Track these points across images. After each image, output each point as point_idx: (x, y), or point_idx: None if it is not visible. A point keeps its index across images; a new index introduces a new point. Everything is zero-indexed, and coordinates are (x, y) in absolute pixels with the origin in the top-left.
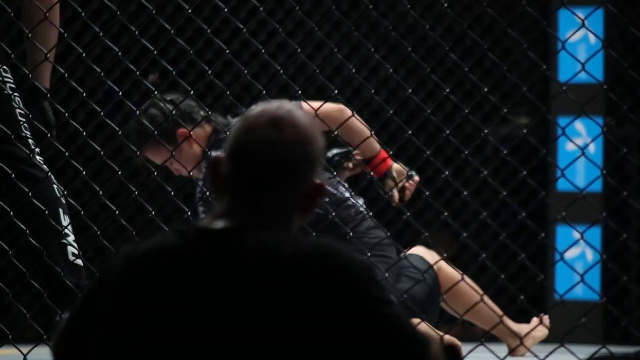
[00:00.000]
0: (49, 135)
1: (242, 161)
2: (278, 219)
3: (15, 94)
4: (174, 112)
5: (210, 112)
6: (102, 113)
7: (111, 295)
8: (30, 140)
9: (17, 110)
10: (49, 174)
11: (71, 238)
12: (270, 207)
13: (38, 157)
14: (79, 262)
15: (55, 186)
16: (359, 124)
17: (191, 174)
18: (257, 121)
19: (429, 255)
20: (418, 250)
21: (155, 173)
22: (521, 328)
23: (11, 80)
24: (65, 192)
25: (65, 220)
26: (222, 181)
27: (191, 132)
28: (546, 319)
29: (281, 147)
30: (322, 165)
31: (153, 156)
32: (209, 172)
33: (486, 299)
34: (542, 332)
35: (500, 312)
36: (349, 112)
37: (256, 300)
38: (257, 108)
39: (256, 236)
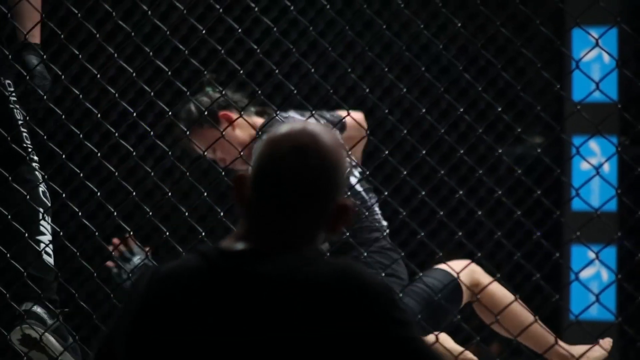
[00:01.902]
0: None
1: (267, 190)
2: (300, 240)
3: (17, 107)
4: (221, 96)
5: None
6: (116, 134)
7: (135, 315)
8: (29, 149)
9: (19, 121)
10: (40, 177)
11: (46, 237)
12: (294, 229)
13: (34, 163)
14: (50, 260)
15: (41, 189)
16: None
17: (235, 163)
18: (281, 149)
19: (464, 270)
20: (454, 264)
21: (170, 194)
22: (575, 349)
23: (14, 96)
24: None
25: (43, 221)
26: (246, 203)
27: (234, 117)
28: (607, 342)
29: (307, 177)
30: (346, 185)
31: (199, 141)
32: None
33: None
34: (599, 352)
35: (553, 334)
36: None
37: (277, 321)
38: (280, 130)
39: (277, 258)
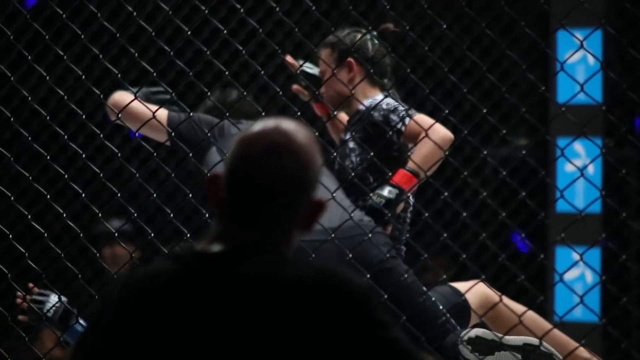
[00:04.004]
0: None
1: (240, 189)
2: (276, 240)
3: None
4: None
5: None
6: (101, 135)
7: (110, 321)
8: None
9: None
10: None
11: None
12: (268, 229)
13: None
14: None
15: None
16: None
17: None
18: (254, 148)
19: (476, 290)
20: (465, 285)
21: (155, 195)
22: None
23: None
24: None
25: None
26: (220, 203)
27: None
28: None
29: (280, 176)
30: (319, 182)
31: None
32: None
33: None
34: None
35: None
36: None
37: (259, 324)
38: (254, 129)
39: (255, 259)
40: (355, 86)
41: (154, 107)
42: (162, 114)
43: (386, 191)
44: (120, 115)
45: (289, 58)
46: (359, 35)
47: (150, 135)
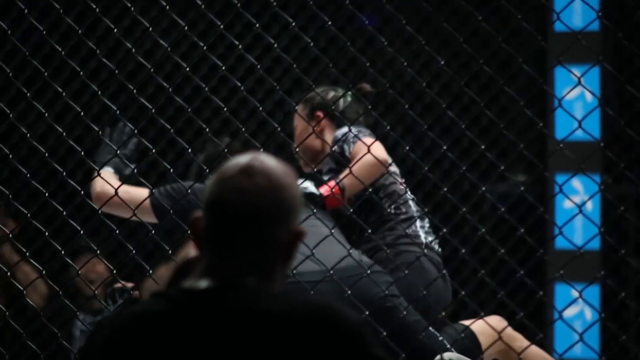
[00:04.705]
0: None
1: (216, 212)
2: (260, 271)
3: None
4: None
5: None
6: (82, 152)
7: None
8: None
9: None
10: None
11: None
12: (250, 258)
13: None
14: None
15: None
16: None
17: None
18: (229, 172)
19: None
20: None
21: (153, 232)
22: None
23: None
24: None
25: None
26: (201, 236)
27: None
28: None
29: (253, 193)
30: (299, 212)
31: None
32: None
33: None
34: None
35: None
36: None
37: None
38: (232, 160)
39: (243, 294)
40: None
41: (135, 190)
42: (142, 196)
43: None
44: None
45: None
46: (330, 93)
47: (140, 217)
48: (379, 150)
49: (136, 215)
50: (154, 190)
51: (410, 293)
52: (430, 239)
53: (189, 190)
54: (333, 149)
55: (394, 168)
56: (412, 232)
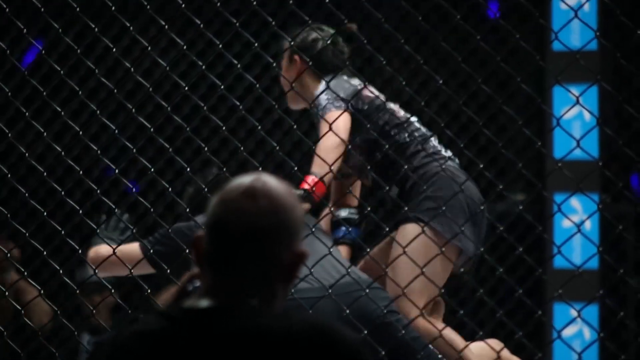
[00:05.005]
0: None
1: (219, 233)
2: (261, 291)
3: None
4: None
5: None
6: (80, 172)
7: None
8: None
9: None
10: None
11: None
12: (252, 279)
13: None
14: None
15: None
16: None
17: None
18: (232, 193)
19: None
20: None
21: (152, 251)
22: None
23: None
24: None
25: None
26: (203, 257)
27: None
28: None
29: (255, 215)
30: (301, 234)
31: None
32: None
33: None
34: None
35: None
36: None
37: None
38: (233, 181)
39: (243, 314)
40: (295, 79)
41: (125, 247)
42: (134, 251)
43: (345, 213)
44: (105, 267)
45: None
46: (313, 34)
47: (138, 272)
48: (341, 127)
49: (131, 272)
50: (144, 242)
51: (452, 203)
52: (449, 152)
53: (173, 233)
54: (311, 105)
55: (391, 105)
56: (433, 148)
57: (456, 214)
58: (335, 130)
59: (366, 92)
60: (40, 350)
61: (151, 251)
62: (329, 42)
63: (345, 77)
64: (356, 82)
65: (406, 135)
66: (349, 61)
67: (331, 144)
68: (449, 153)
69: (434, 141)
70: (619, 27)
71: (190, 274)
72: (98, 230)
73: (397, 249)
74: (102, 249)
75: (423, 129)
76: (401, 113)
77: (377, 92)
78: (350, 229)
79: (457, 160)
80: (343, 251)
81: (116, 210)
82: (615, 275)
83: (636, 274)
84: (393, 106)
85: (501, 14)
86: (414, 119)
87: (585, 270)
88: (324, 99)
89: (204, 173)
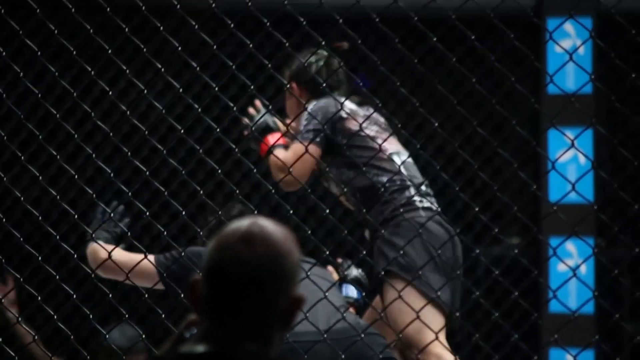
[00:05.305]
0: None
1: (216, 280)
2: (259, 337)
3: None
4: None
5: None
6: (92, 236)
7: None
8: None
9: None
10: None
11: None
12: (249, 325)
13: None
14: None
15: None
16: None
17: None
18: (229, 239)
19: None
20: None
21: (146, 295)
22: None
23: None
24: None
25: None
26: (201, 302)
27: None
28: None
29: (253, 263)
30: (298, 278)
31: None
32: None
33: None
34: None
35: None
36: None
37: None
38: (230, 226)
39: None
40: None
41: (137, 257)
42: (147, 263)
43: (356, 272)
44: (104, 268)
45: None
46: (306, 58)
47: (140, 283)
48: (305, 161)
49: (131, 280)
50: (159, 257)
51: (425, 256)
52: (427, 203)
53: (190, 254)
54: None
55: (380, 140)
56: (407, 199)
57: (426, 268)
58: (301, 163)
59: (349, 124)
60: None
61: (166, 268)
62: (322, 64)
63: (334, 102)
64: (352, 105)
65: (385, 179)
66: (344, 80)
67: (295, 172)
68: (433, 202)
69: (419, 188)
70: (613, 70)
71: (187, 321)
72: (92, 226)
73: (392, 311)
74: (103, 252)
75: (411, 171)
76: (392, 149)
77: (372, 118)
78: (358, 291)
79: (435, 207)
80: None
81: (113, 202)
82: (610, 320)
83: (632, 319)
84: (384, 142)
85: (496, 57)
86: (405, 157)
87: (580, 315)
88: (303, 124)
89: (227, 207)
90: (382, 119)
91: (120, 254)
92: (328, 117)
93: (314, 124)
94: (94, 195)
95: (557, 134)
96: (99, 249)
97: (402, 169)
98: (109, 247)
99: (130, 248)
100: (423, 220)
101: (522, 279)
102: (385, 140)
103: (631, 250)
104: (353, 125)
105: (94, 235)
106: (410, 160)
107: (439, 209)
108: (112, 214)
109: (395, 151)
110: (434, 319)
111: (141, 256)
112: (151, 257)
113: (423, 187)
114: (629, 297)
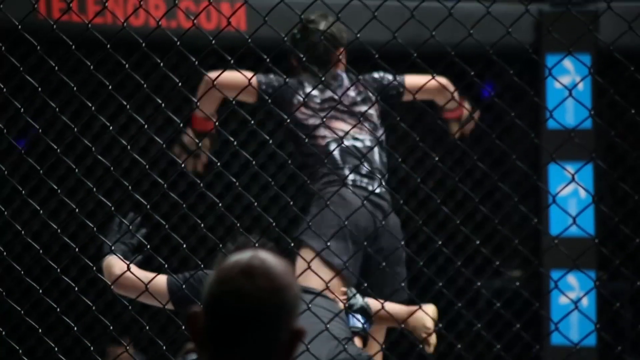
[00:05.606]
0: None
1: (217, 314)
2: None
3: None
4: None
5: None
6: (94, 268)
7: None
8: None
9: None
10: None
11: None
12: (250, 358)
13: None
14: None
15: None
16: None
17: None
18: (230, 272)
19: None
20: None
21: (148, 328)
22: None
23: None
24: None
25: None
26: (200, 335)
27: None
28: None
29: (254, 296)
30: (298, 311)
31: None
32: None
33: None
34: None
35: None
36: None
37: None
38: (231, 258)
39: None
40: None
41: (149, 275)
42: (161, 282)
43: (362, 302)
44: (120, 284)
45: None
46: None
47: (150, 302)
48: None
49: (149, 299)
50: (171, 278)
51: (323, 221)
52: (363, 183)
53: (202, 278)
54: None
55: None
56: (338, 178)
57: (327, 232)
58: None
59: (300, 114)
60: None
61: (177, 289)
62: (299, 36)
63: (307, 82)
64: (327, 94)
65: (316, 163)
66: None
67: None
68: (372, 184)
69: (356, 169)
70: (612, 106)
71: (186, 349)
72: (109, 237)
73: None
74: (117, 267)
75: (353, 157)
76: (332, 137)
77: (331, 101)
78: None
79: (372, 188)
80: (355, 341)
81: (130, 214)
82: (612, 353)
83: (633, 352)
84: (326, 129)
85: (496, 93)
86: (351, 141)
87: (582, 347)
88: (268, 75)
89: (246, 237)
90: (352, 95)
91: (142, 275)
92: (278, 90)
93: (275, 79)
94: (95, 229)
95: (557, 168)
96: (114, 264)
97: (337, 155)
98: (124, 262)
99: (146, 261)
100: (346, 194)
101: (523, 312)
102: (329, 127)
103: (632, 283)
104: (299, 113)
105: (112, 247)
106: (360, 145)
107: (378, 191)
108: (129, 225)
109: (334, 139)
110: (328, 279)
111: (155, 278)
112: (163, 278)
113: (364, 171)
114: (630, 329)
